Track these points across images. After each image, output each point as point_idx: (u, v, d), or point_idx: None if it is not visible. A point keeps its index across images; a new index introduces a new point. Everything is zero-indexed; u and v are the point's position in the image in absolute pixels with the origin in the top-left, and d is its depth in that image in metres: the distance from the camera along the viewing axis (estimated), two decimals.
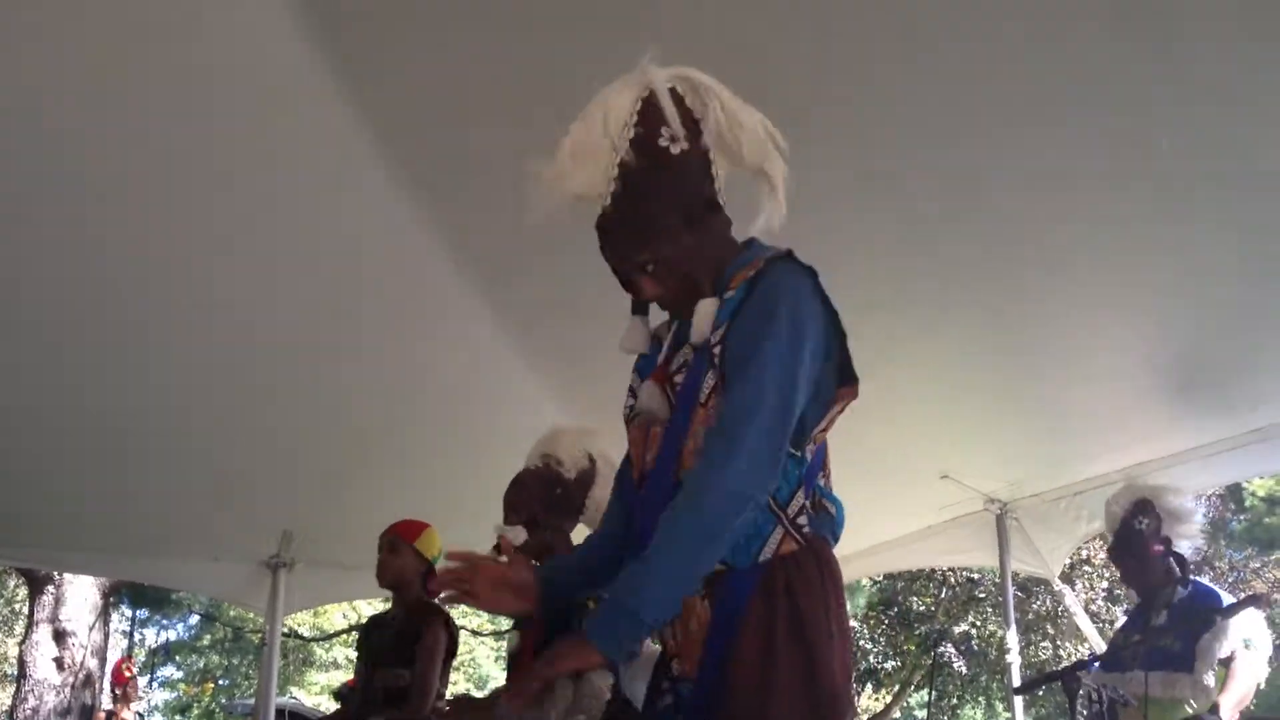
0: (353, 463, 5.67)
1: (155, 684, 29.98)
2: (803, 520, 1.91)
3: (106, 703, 10.42)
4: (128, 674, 10.08)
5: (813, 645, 1.83)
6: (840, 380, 2.00)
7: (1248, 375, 4.67)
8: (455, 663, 4.65)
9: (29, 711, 9.46)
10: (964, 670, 18.41)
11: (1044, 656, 16.94)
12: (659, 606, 1.80)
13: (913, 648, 18.14)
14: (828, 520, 1.98)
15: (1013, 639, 6.16)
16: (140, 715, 9.74)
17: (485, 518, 3.96)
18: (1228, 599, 4.99)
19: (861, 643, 18.44)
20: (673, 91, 1.98)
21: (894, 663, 19.65)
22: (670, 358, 2.07)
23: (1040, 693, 15.31)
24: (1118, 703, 4.37)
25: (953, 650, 17.86)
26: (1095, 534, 6.54)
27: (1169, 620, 4.93)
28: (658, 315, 2.17)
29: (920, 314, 4.24)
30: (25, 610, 11.15)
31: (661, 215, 1.98)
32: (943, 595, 17.71)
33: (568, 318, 4.50)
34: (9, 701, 10.17)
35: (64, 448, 5.16)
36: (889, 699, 21.63)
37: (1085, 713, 3.94)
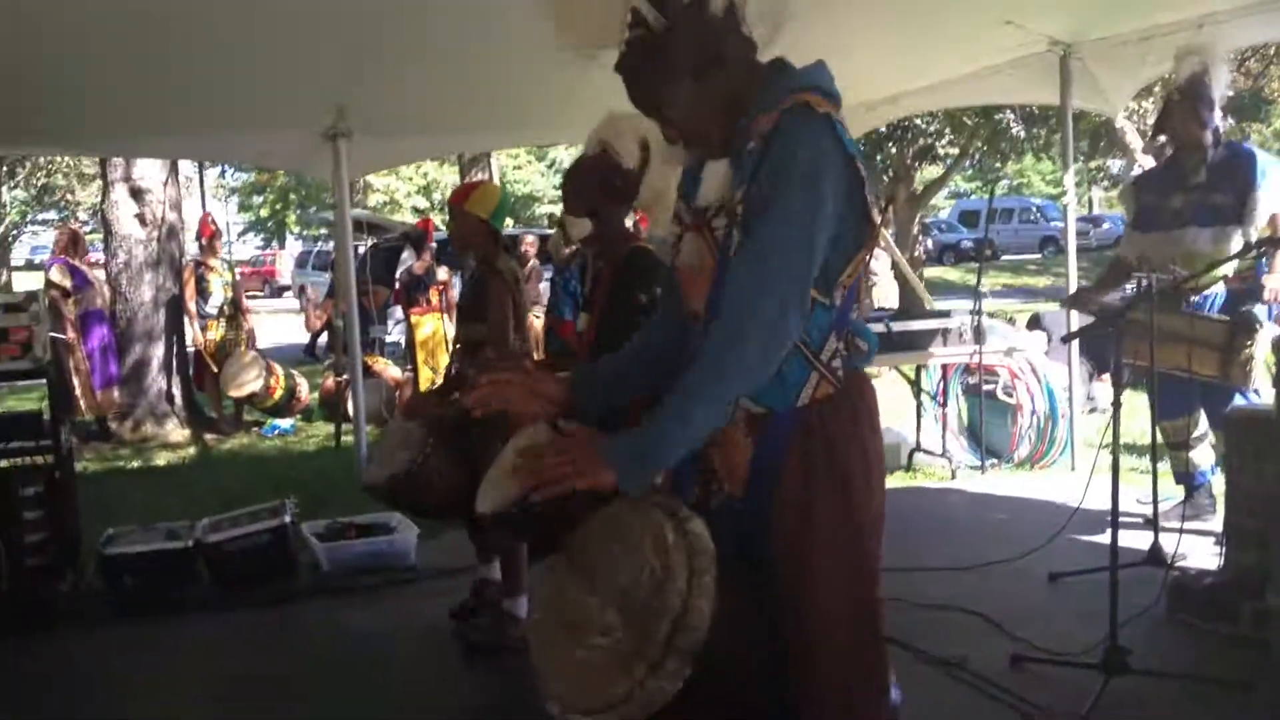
0: (403, 36, 5.55)
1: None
2: (836, 363, 1.98)
3: (191, 253, 10.89)
4: (212, 227, 10.48)
5: (848, 484, 1.97)
6: (866, 229, 1.98)
7: None
8: None
9: (121, 265, 9.90)
10: (1021, 134, 18.80)
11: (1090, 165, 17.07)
12: (682, 446, 1.87)
13: (969, 121, 18.25)
14: (859, 356, 2.04)
15: (1069, 180, 6.18)
16: (226, 262, 10.27)
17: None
18: (1266, 158, 4.95)
19: (917, 121, 18.51)
20: None
21: (950, 138, 19.92)
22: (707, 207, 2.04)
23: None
24: (1164, 280, 4.37)
25: (1010, 115, 17.97)
26: (1159, 77, 6.37)
27: (1208, 178, 4.89)
28: None
29: None
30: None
31: (664, 74, 1.97)
32: None
33: None
34: (103, 257, 10.58)
35: (122, 34, 5.08)
36: (943, 171, 22.09)
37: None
